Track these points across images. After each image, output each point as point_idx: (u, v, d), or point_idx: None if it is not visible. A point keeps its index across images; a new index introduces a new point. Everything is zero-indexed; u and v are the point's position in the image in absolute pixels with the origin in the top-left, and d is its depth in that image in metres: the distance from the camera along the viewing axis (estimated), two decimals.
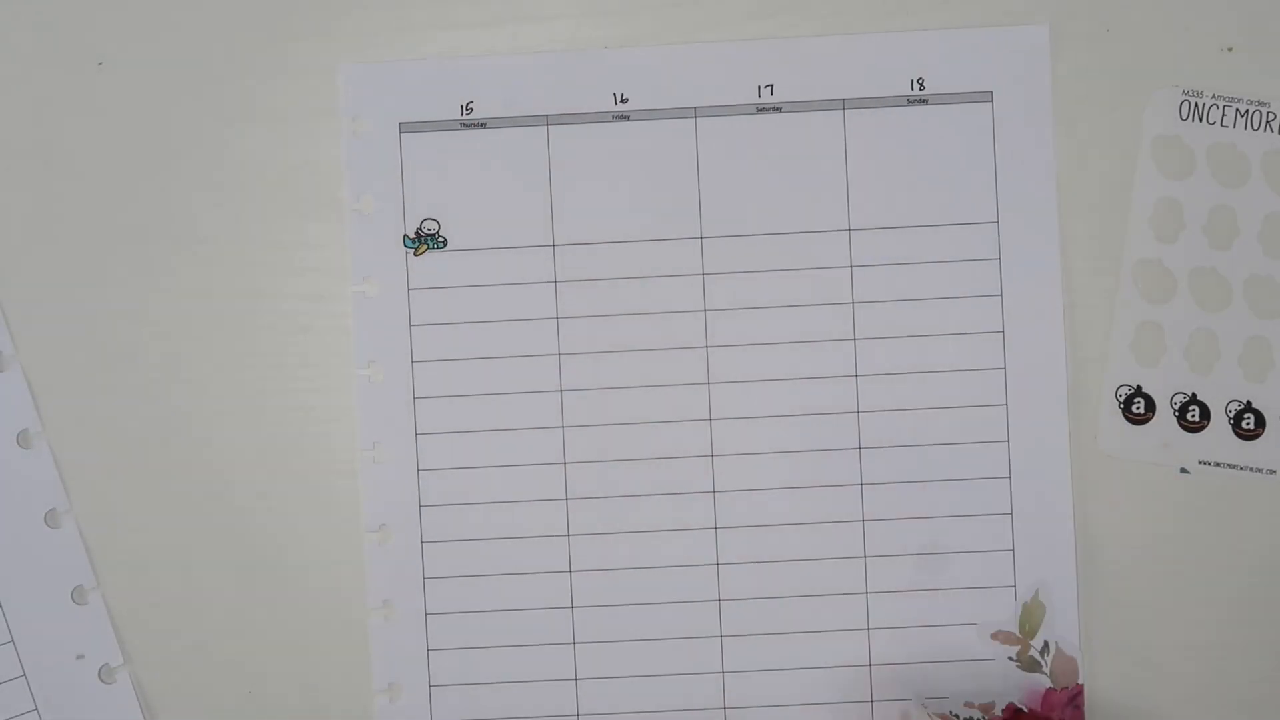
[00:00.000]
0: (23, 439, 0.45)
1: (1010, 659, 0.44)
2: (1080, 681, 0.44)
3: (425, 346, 0.45)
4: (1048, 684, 0.44)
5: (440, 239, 0.45)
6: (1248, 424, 0.45)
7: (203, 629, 0.45)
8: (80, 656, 0.45)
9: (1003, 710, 0.44)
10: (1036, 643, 0.44)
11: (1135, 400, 0.45)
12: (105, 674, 0.45)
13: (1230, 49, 0.44)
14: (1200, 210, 0.44)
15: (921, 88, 0.44)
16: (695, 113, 0.45)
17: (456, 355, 0.45)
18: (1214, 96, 0.44)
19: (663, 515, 0.44)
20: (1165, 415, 0.45)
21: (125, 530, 0.45)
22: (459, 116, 0.45)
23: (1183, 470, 0.45)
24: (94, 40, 0.45)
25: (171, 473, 0.45)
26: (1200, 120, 0.44)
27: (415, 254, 0.45)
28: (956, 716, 0.44)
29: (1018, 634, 0.44)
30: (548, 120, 0.45)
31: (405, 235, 0.45)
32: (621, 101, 0.45)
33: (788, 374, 0.44)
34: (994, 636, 0.44)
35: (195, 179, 0.45)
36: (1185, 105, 0.44)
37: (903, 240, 0.44)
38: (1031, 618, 0.44)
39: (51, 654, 0.44)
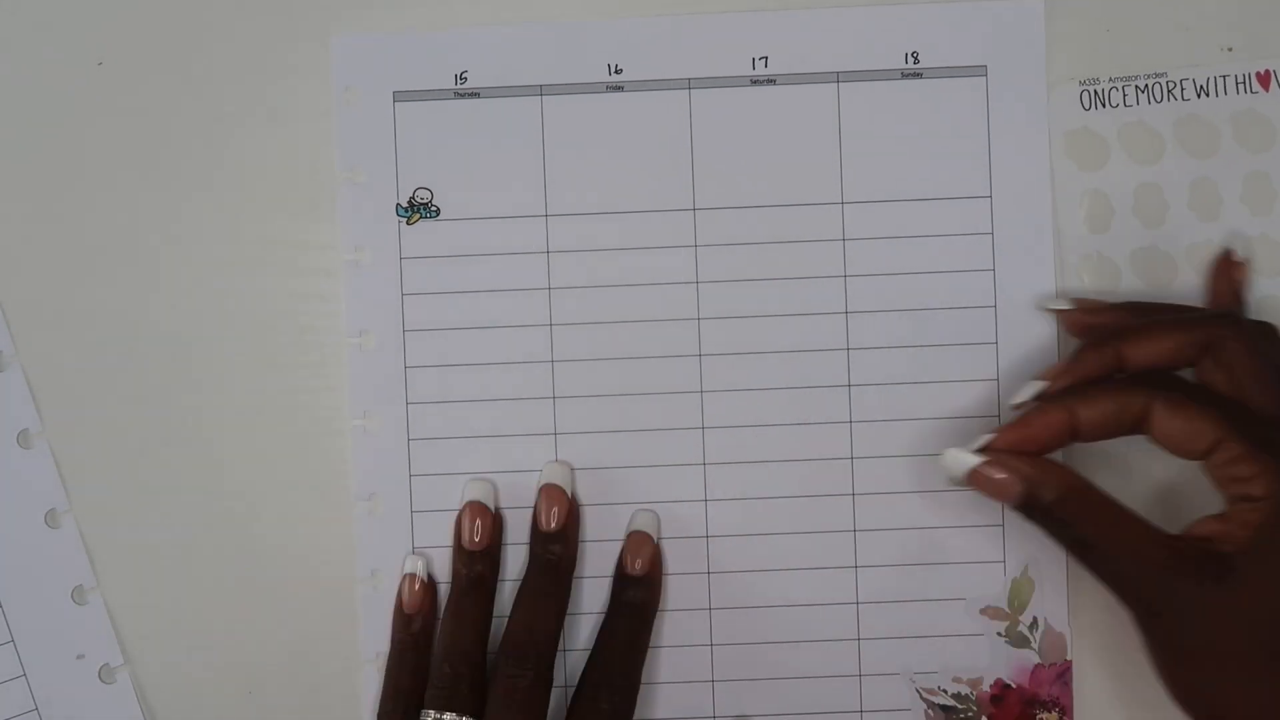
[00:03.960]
0: (23, 439, 0.45)
1: (999, 634, 0.44)
2: (1069, 657, 0.44)
3: (417, 316, 0.45)
4: (1036, 660, 0.44)
5: (433, 208, 0.45)
6: None
7: (203, 629, 0.45)
8: (80, 656, 0.44)
9: (990, 685, 0.44)
10: (1025, 618, 0.44)
11: None
12: (105, 674, 0.45)
13: (1230, 49, 0.44)
14: (1126, 195, 0.44)
15: (916, 61, 0.44)
16: (689, 84, 0.44)
17: (448, 325, 0.45)
18: (1110, 80, 0.44)
19: (653, 487, 0.44)
20: None
21: (125, 530, 0.45)
22: (453, 86, 0.45)
23: None
24: (94, 40, 0.45)
25: (171, 473, 0.45)
26: (1104, 106, 0.44)
27: (408, 223, 0.45)
28: (945, 692, 0.44)
29: (1007, 609, 0.44)
30: (541, 90, 0.45)
31: (398, 204, 0.45)
32: (616, 72, 0.44)
33: (780, 346, 0.44)
34: (983, 612, 0.44)
35: (191, 165, 0.45)
36: (1085, 94, 0.44)
37: (896, 214, 0.44)
38: (1020, 593, 0.44)
39: (51, 654, 0.44)
